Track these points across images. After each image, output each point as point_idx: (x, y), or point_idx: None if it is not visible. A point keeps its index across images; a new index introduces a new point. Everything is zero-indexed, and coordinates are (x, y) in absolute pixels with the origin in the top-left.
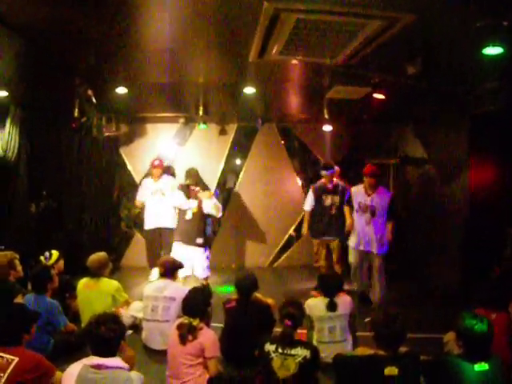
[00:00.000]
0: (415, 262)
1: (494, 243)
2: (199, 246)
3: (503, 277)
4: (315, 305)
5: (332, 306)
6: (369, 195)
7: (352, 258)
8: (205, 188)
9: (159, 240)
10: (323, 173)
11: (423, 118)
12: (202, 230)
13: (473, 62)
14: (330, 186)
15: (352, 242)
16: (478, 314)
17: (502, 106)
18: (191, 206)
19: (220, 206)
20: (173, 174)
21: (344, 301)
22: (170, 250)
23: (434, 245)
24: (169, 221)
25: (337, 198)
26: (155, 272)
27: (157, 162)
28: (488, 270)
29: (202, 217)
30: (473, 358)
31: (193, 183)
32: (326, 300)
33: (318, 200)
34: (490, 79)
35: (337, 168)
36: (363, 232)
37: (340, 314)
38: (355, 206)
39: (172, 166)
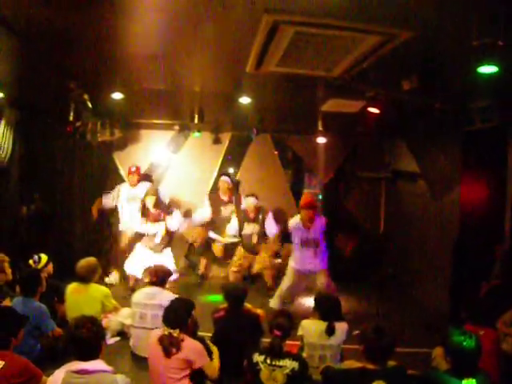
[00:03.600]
0: (404, 277)
1: (484, 259)
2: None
3: (492, 293)
4: (309, 329)
5: (331, 330)
6: (309, 228)
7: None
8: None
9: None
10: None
11: (416, 133)
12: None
13: (467, 80)
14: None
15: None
16: (467, 330)
17: (494, 124)
18: (159, 229)
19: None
20: (151, 181)
21: (340, 328)
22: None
23: (424, 259)
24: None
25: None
26: (113, 276)
27: (133, 169)
28: (477, 286)
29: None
30: (460, 374)
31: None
32: (323, 324)
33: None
34: (483, 97)
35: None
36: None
37: (333, 344)
38: (295, 240)
39: (150, 173)
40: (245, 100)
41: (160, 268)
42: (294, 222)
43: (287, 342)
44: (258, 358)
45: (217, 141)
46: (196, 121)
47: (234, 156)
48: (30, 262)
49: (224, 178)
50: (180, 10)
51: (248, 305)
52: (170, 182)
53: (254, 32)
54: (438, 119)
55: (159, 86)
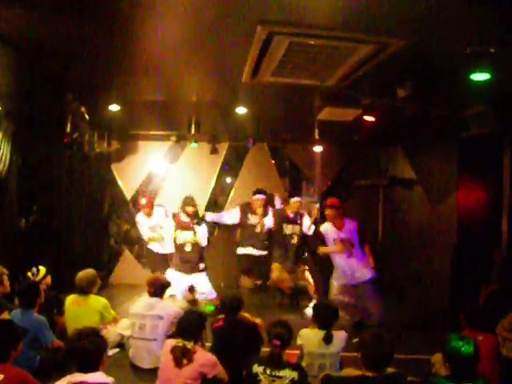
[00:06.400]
0: (403, 283)
1: (482, 265)
2: (202, 271)
3: (491, 298)
4: (308, 337)
5: (328, 339)
6: (339, 229)
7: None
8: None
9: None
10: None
11: (413, 140)
12: (202, 256)
13: (461, 87)
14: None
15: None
16: (465, 335)
17: (490, 130)
18: (187, 237)
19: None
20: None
21: (339, 336)
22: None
23: (423, 266)
24: (170, 247)
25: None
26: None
27: (143, 202)
28: (476, 291)
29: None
30: (459, 380)
31: (193, 212)
32: (321, 333)
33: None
34: (478, 103)
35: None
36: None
37: (332, 353)
38: (330, 243)
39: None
40: (241, 110)
41: (157, 279)
42: (325, 226)
43: (286, 351)
44: (257, 368)
45: (214, 151)
46: (193, 131)
47: (231, 166)
48: (29, 274)
49: (258, 197)
50: (176, 23)
51: (246, 314)
52: (168, 193)
53: (249, 43)
54: (434, 126)
55: (156, 97)
